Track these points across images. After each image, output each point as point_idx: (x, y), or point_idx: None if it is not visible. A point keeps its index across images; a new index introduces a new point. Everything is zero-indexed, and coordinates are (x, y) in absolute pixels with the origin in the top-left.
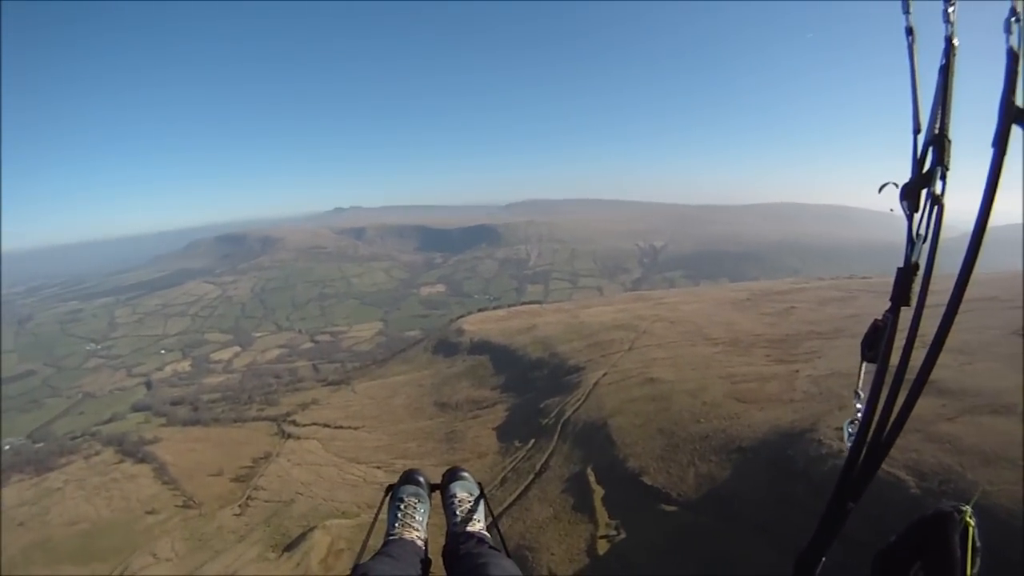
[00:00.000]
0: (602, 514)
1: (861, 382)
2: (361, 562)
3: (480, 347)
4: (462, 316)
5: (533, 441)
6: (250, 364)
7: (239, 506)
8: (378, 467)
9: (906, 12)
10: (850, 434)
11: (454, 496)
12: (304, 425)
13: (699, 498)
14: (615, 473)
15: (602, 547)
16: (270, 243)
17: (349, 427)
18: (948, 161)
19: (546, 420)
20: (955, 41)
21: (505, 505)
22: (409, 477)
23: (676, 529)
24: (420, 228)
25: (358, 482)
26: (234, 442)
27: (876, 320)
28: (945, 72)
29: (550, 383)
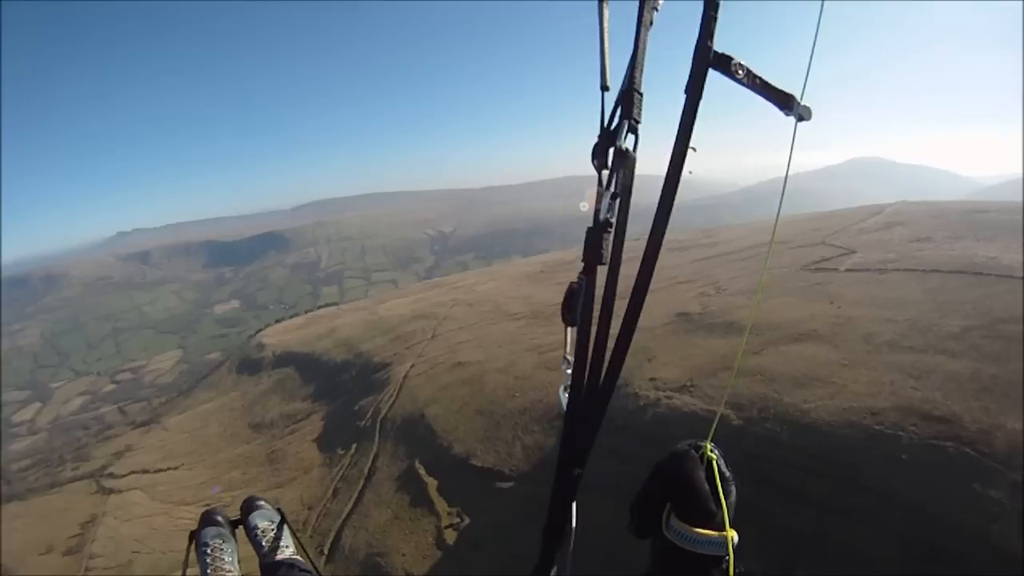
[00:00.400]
0: (441, 504)
1: (569, 347)
2: None
3: (284, 359)
4: (260, 330)
5: (355, 446)
6: (55, 420)
7: None
8: (207, 504)
9: None
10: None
11: (256, 528)
12: (123, 476)
13: (531, 469)
14: (444, 462)
15: (450, 536)
16: (54, 281)
17: (169, 468)
18: (638, 114)
19: (363, 422)
20: None
21: (343, 516)
22: (208, 519)
23: (517, 503)
24: (207, 243)
25: (191, 525)
26: (56, 511)
27: (572, 283)
28: (638, 24)
29: (360, 384)
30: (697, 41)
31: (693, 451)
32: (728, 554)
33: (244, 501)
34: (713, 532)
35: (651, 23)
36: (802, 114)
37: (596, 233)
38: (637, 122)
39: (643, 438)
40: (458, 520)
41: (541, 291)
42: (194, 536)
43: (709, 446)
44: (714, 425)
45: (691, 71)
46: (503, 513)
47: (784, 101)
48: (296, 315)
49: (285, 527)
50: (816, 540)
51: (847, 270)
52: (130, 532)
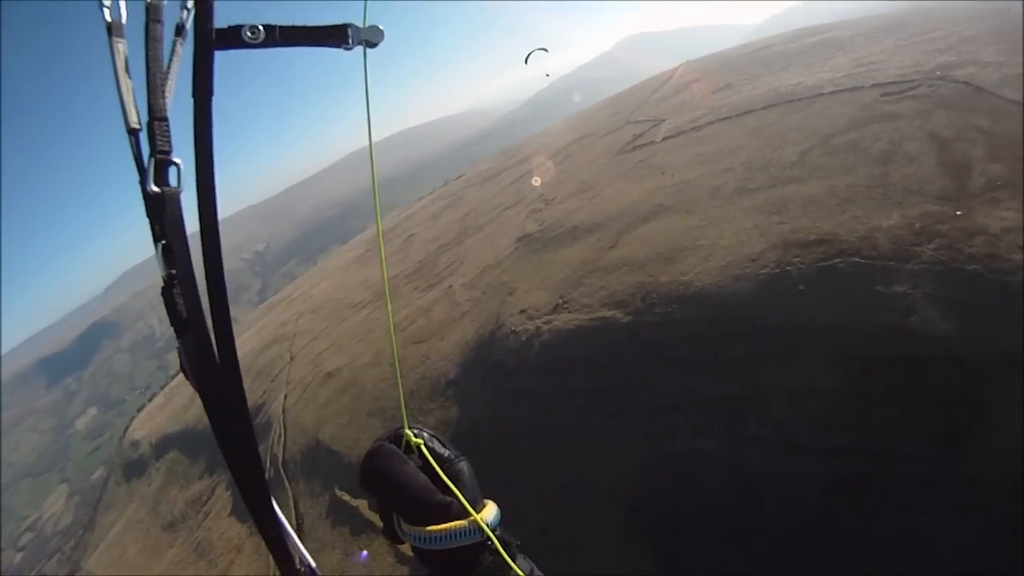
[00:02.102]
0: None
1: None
2: None
3: (162, 446)
4: (127, 427)
5: None
6: None
7: None
8: None
9: (103, 7)
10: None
11: None
12: None
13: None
14: None
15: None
16: None
17: None
18: (165, 144)
19: (266, 474)
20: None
21: None
22: None
23: None
24: (38, 363)
25: None
26: None
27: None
28: (146, 41)
29: None
30: (195, 29)
31: (388, 444)
32: (488, 536)
33: None
34: (454, 523)
35: (162, 37)
36: (369, 38)
37: (167, 293)
38: (166, 153)
39: (540, 371)
40: None
41: (375, 270)
42: None
43: (411, 432)
44: (402, 402)
45: (194, 66)
46: None
47: (339, 37)
48: (154, 395)
49: None
50: (755, 396)
51: (664, 139)
52: None
